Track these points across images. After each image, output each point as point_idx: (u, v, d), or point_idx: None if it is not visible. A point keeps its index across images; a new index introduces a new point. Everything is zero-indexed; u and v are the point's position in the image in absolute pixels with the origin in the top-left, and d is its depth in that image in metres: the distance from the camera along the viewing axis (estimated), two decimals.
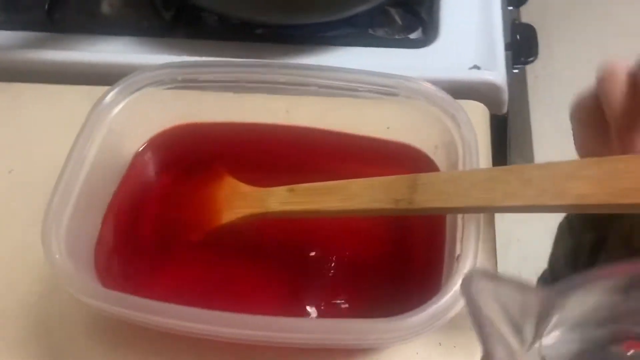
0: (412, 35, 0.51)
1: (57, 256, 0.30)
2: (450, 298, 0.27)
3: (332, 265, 0.33)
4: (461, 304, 0.27)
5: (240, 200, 0.34)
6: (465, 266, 0.28)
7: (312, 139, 0.37)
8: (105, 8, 0.57)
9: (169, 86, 0.36)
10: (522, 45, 0.59)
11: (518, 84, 0.70)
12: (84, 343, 0.35)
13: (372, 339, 0.27)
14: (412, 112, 0.36)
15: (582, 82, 0.32)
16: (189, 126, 0.38)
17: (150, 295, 0.29)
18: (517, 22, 0.61)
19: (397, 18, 0.52)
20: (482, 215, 0.31)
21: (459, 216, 0.31)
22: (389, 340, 0.27)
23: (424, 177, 0.30)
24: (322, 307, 0.31)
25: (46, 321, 0.36)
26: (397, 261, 0.34)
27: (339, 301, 0.31)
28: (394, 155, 0.37)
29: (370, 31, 0.51)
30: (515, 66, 0.64)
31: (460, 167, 0.32)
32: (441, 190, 0.29)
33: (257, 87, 0.37)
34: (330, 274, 0.32)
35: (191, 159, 0.38)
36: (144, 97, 0.36)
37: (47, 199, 0.32)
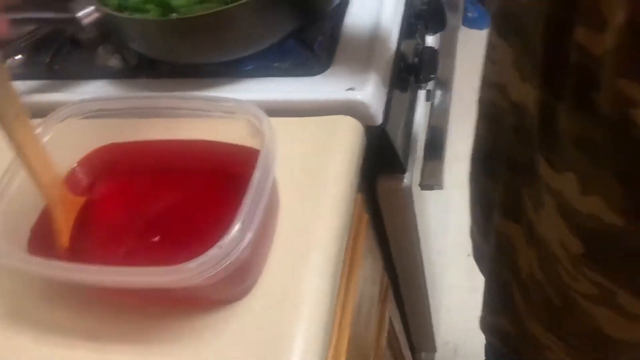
0: (309, 66, 0.62)
1: None
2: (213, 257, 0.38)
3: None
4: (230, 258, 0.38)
5: None
6: (232, 230, 0.39)
7: (184, 147, 0.50)
8: (99, 60, 0.73)
9: (84, 116, 0.50)
10: (423, 66, 0.68)
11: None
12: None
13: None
14: (246, 124, 0.47)
15: None
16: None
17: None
18: (419, 46, 0.70)
19: (298, 54, 0.63)
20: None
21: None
22: (171, 283, 0.39)
23: None
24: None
25: None
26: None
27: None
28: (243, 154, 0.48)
29: (276, 64, 0.63)
30: (418, 85, 0.73)
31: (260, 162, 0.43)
32: None
33: (147, 112, 0.50)
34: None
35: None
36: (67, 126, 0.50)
37: None
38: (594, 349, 0.49)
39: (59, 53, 0.72)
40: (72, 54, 0.73)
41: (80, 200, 0.49)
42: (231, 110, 0.47)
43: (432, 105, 0.77)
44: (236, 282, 0.45)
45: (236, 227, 0.39)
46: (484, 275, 0.62)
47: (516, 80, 0.42)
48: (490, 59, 0.48)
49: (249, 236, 0.40)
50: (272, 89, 0.61)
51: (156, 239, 0.48)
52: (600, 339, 0.47)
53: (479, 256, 0.63)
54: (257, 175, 0.42)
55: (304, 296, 0.47)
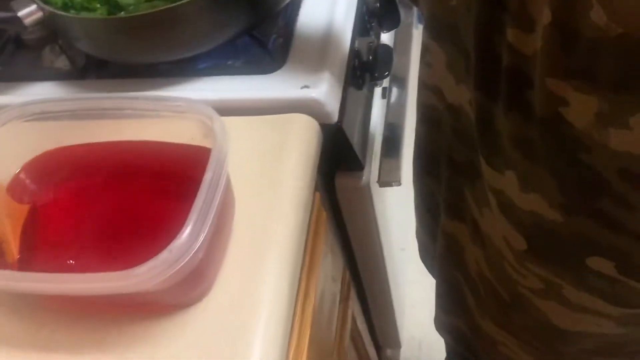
0: (263, 65, 0.61)
1: None
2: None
3: None
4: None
5: None
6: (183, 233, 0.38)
7: (133, 149, 0.48)
8: (45, 61, 0.70)
9: (27, 119, 0.48)
10: (378, 63, 0.68)
11: None
12: None
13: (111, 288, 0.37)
14: (198, 124, 0.46)
15: None
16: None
17: None
18: (373, 44, 0.70)
19: (252, 52, 0.62)
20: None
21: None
22: (122, 288, 0.37)
23: None
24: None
25: None
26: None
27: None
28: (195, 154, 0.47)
29: (229, 62, 0.62)
30: (373, 82, 0.73)
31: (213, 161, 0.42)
32: None
33: (92, 114, 0.48)
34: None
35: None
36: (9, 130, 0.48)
37: None
38: (545, 342, 0.50)
39: (3, 54, 0.70)
40: (16, 55, 0.70)
41: (26, 207, 0.47)
42: (181, 110, 0.45)
43: (388, 102, 0.77)
44: (191, 286, 0.44)
45: (187, 230, 0.38)
46: (433, 276, 0.62)
47: (451, 83, 0.43)
48: (425, 62, 0.48)
49: (201, 238, 0.39)
50: (225, 88, 0.60)
51: (107, 244, 0.47)
52: (549, 331, 0.48)
53: (426, 256, 0.64)
54: (208, 176, 0.41)
55: (261, 297, 0.46)
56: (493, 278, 0.48)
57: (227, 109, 0.57)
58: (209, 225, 0.39)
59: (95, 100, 0.48)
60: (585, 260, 0.40)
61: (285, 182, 0.52)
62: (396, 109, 0.77)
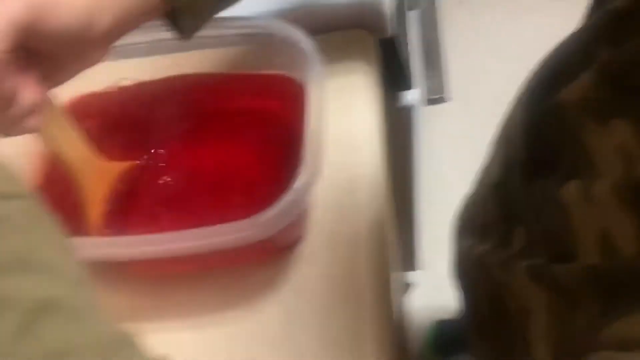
0: None
1: None
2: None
3: None
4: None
5: None
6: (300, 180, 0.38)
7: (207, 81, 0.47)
8: None
9: None
10: None
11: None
12: None
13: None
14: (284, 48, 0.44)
15: None
16: None
17: None
18: None
19: None
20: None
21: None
22: (244, 238, 0.37)
23: None
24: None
25: None
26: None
27: None
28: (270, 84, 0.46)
29: None
30: None
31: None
32: None
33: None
34: None
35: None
36: None
37: None
38: None
39: None
40: None
41: (119, 166, 0.45)
42: (267, 31, 0.43)
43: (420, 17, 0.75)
44: (298, 227, 0.44)
45: (306, 171, 0.38)
46: None
47: None
48: None
49: (314, 180, 0.38)
50: None
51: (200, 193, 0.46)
52: None
53: None
54: (312, 120, 0.40)
55: (359, 229, 0.46)
56: None
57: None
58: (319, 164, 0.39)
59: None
60: None
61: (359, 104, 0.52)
62: (429, 22, 0.75)
